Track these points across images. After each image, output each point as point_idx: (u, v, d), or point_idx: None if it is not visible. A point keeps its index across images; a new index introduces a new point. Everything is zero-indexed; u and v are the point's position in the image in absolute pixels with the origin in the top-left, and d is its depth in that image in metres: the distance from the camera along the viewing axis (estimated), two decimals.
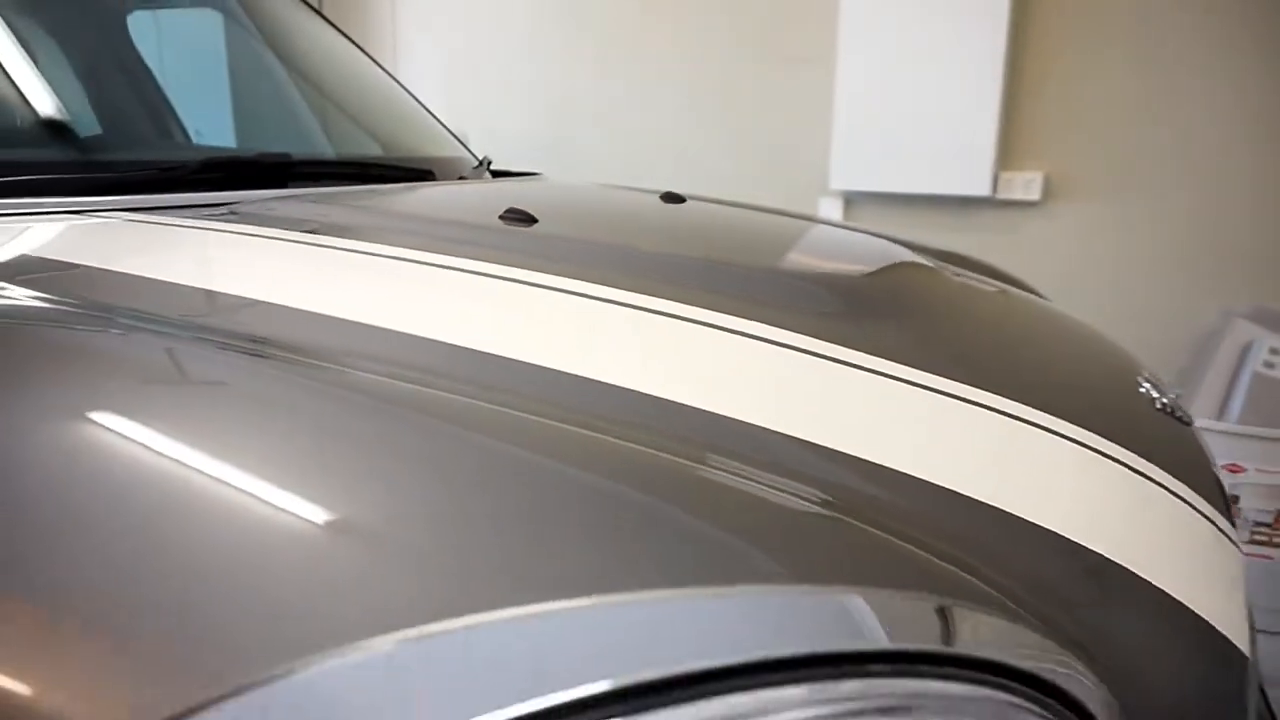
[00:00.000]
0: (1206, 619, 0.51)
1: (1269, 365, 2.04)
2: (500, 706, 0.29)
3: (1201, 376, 2.13)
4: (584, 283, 0.71)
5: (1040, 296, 1.30)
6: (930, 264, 1.02)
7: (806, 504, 0.45)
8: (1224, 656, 0.51)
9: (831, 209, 2.60)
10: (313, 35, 1.62)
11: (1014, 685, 0.37)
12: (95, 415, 0.43)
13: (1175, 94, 2.22)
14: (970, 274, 1.11)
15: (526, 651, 0.31)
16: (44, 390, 0.45)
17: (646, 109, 2.86)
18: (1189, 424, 0.82)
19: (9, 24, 1.04)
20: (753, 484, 0.45)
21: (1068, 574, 0.50)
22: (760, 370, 0.61)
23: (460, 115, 3.08)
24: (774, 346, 0.64)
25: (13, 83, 0.99)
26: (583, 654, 0.31)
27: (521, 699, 0.29)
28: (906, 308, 0.81)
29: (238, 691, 0.29)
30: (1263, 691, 0.78)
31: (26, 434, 0.42)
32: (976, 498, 0.52)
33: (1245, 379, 2.04)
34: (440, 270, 0.73)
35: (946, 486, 0.52)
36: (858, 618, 0.37)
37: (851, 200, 2.58)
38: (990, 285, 1.09)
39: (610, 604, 0.33)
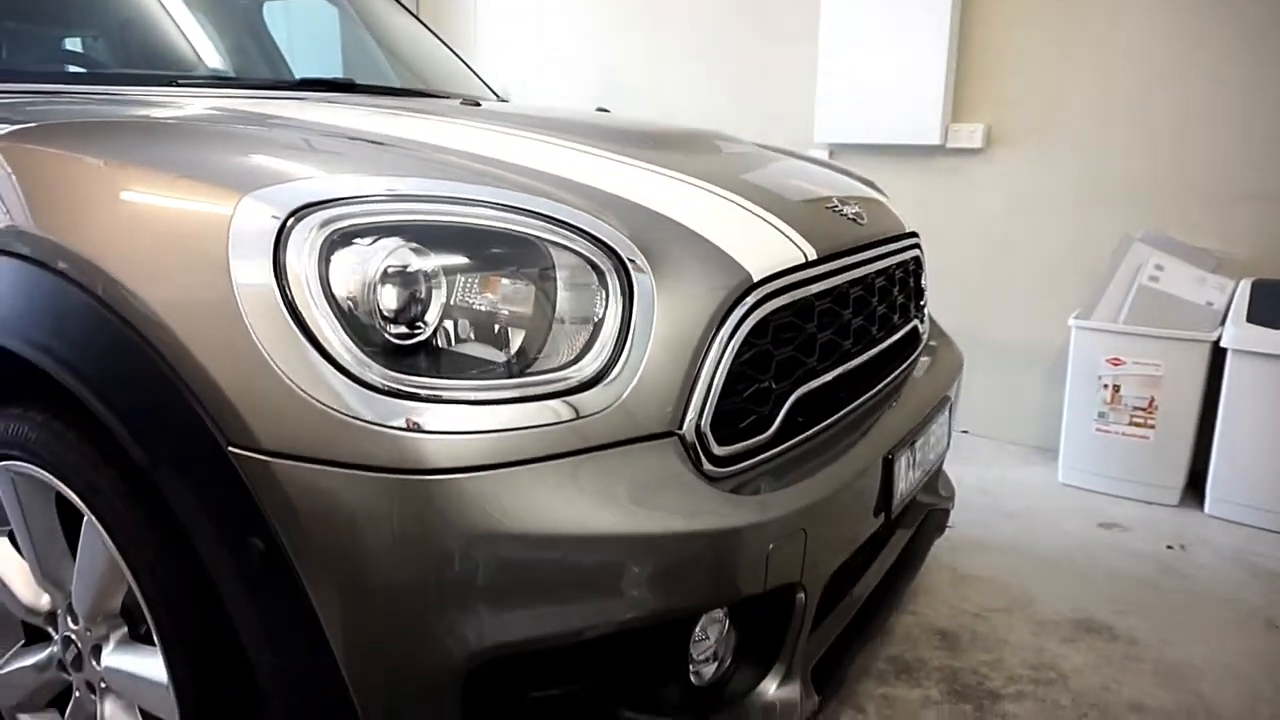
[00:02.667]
0: (716, 243, 1.08)
1: (1153, 279, 2.45)
2: None
3: (1105, 287, 2.55)
4: (489, 126, 1.32)
5: (876, 190, 1.80)
6: (732, 138, 1.59)
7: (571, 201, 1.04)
8: (725, 266, 1.07)
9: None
10: (396, 21, 2.32)
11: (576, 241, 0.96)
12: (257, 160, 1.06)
13: (1096, 45, 2.62)
14: (778, 149, 1.67)
15: None
16: (229, 148, 1.09)
17: (673, 82, 3.45)
18: (840, 214, 1.36)
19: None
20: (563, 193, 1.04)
21: (660, 227, 1.07)
22: (587, 164, 1.20)
23: (523, 85, 3.76)
24: (599, 158, 1.23)
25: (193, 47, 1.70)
26: None
27: None
28: (687, 148, 1.39)
29: None
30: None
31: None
32: (649, 206, 1.10)
33: (1134, 289, 2.46)
34: (436, 119, 1.36)
35: (638, 202, 1.09)
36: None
37: (834, 152, 3.09)
38: (782, 153, 1.65)
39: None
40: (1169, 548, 2.25)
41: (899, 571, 1.53)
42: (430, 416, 0.87)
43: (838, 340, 1.28)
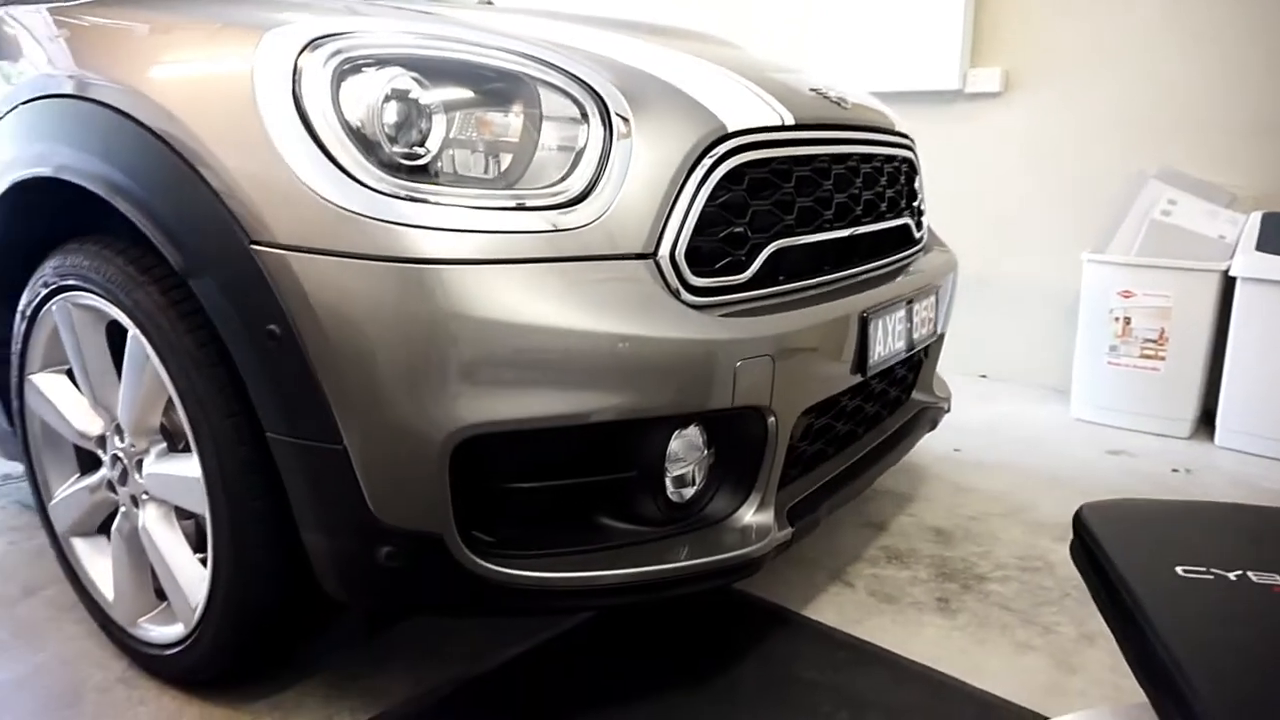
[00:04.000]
0: (695, 97, 1.18)
1: (1165, 213, 2.48)
2: None
3: (1119, 224, 2.58)
4: (503, 12, 1.44)
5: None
6: (728, 40, 1.68)
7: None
8: (701, 116, 1.17)
9: None
10: None
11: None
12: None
13: None
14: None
15: None
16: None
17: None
18: (819, 94, 1.45)
19: None
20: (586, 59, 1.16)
21: (645, 80, 1.18)
22: (581, 34, 1.31)
23: None
24: (594, 31, 1.33)
25: None
26: None
27: None
28: (680, 34, 1.49)
29: None
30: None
31: None
32: (636, 65, 1.20)
33: (1146, 224, 2.49)
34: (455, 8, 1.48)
35: (626, 62, 1.20)
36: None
37: None
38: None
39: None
40: (1174, 471, 2.28)
41: (885, 450, 1.60)
42: (425, 214, 0.98)
43: (818, 209, 1.37)
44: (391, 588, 1.07)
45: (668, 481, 1.17)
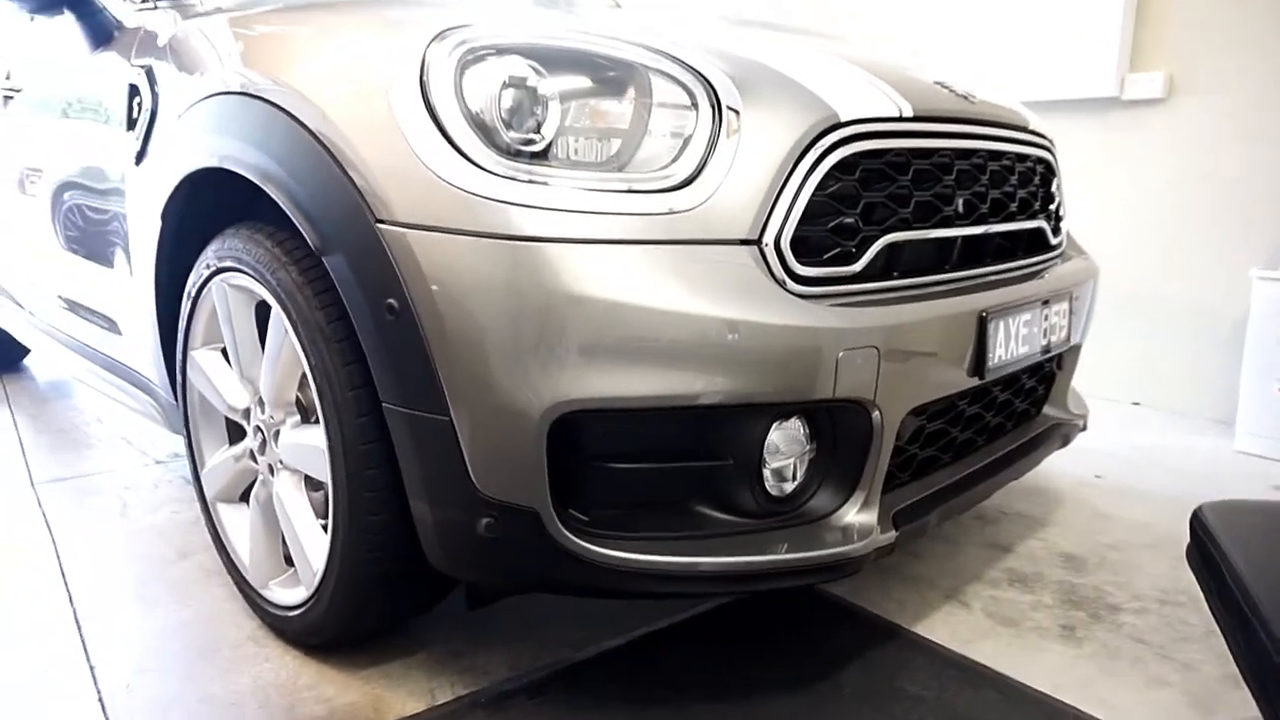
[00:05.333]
0: (807, 86, 1.18)
1: None
2: None
3: None
4: (631, 15, 1.48)
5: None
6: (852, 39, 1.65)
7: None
8: (813, 104, 1.16)
9: None
10: None
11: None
12: None
13: None
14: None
15: None
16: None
17: None
18: (944, 88, 1.40)
19: None
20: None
21: (758, 69, 1.18)
22: (701, 30, 1.32)
23: None
24: (714, 28, 1.35)
25: None
26: None
27: None
28: (803, 31, 1.49)
29: None
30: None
31: None
32: (751, 56, 1.21)
33: None
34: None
35: (741, 53, 1.21)
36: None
37: None
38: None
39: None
40: None
41: (1007, 463, 1.52)
42: (536, 195, 1.02)
43: (937, 205, 1.32)
44: (489, 560, 1.11)
45: (766, 473, 1.15)
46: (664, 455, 1.11)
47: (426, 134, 1.05)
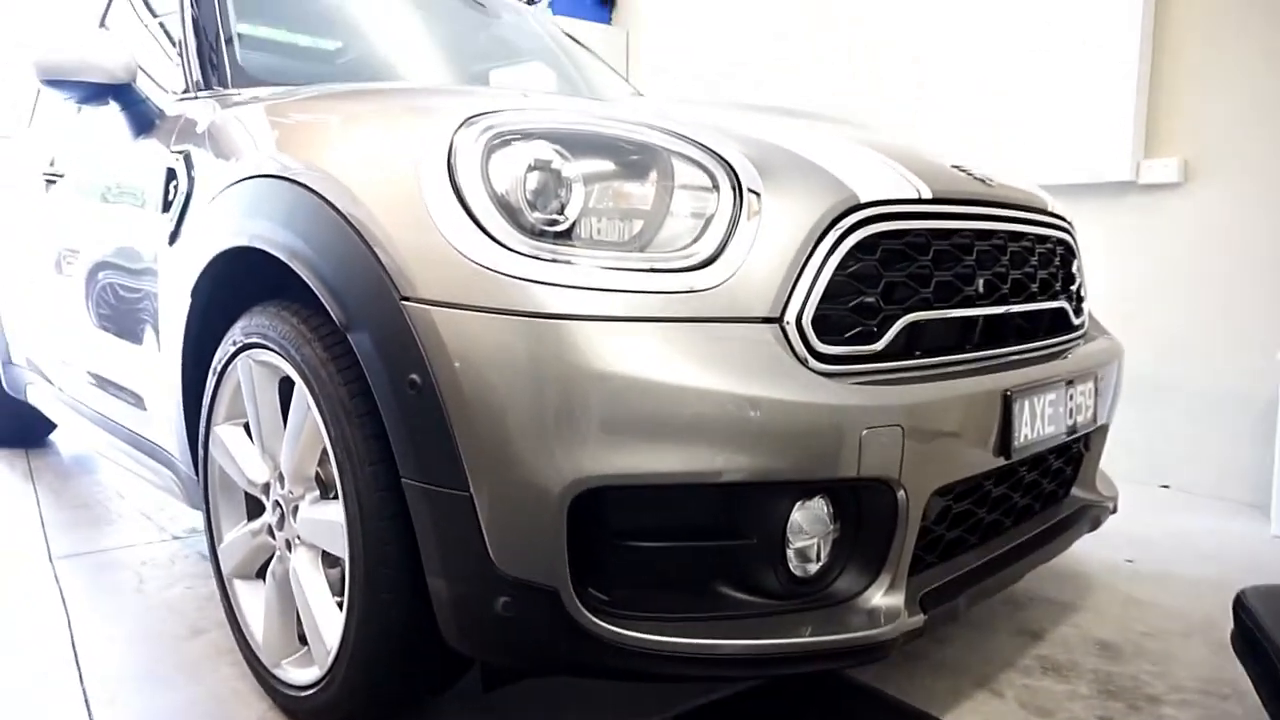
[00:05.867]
0: (826, 168, 1.20)
1: None
2: None
3: None
4: (651, 101, 1.52)
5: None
6: (869, 123, 1.69)
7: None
8: (832, 186, 1.18)
9: None
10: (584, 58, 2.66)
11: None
12: None
13: None
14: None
15: None
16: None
17: None
18: (962, 171, 1.42)
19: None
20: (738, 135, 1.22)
21: (778, 153, 1.21)
22: (719, 116, 1.36)
23: None
24: (731, 112, 1.39)
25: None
26: None
27: None
28: (820, 117, 1.52)
29: None
30: None
31: None
32: (771, 140, 1.24)
33: None
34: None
35: (761, 137, 1.23)
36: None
37: None
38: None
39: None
40: None
41: (1036, 545, 1.49)
42: (558, 273, 1.04)
43: (958, 285, 1.33)
44: (506, 639, 1.09)
45: (790, 552, 1.13)
46: (686, 533, 1.10)
47: (453, 214, 1.08)
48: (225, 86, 1.81)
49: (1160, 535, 2.37)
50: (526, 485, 1.02)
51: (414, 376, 1.07)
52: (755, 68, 4.10)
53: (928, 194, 1.30)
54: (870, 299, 1.19)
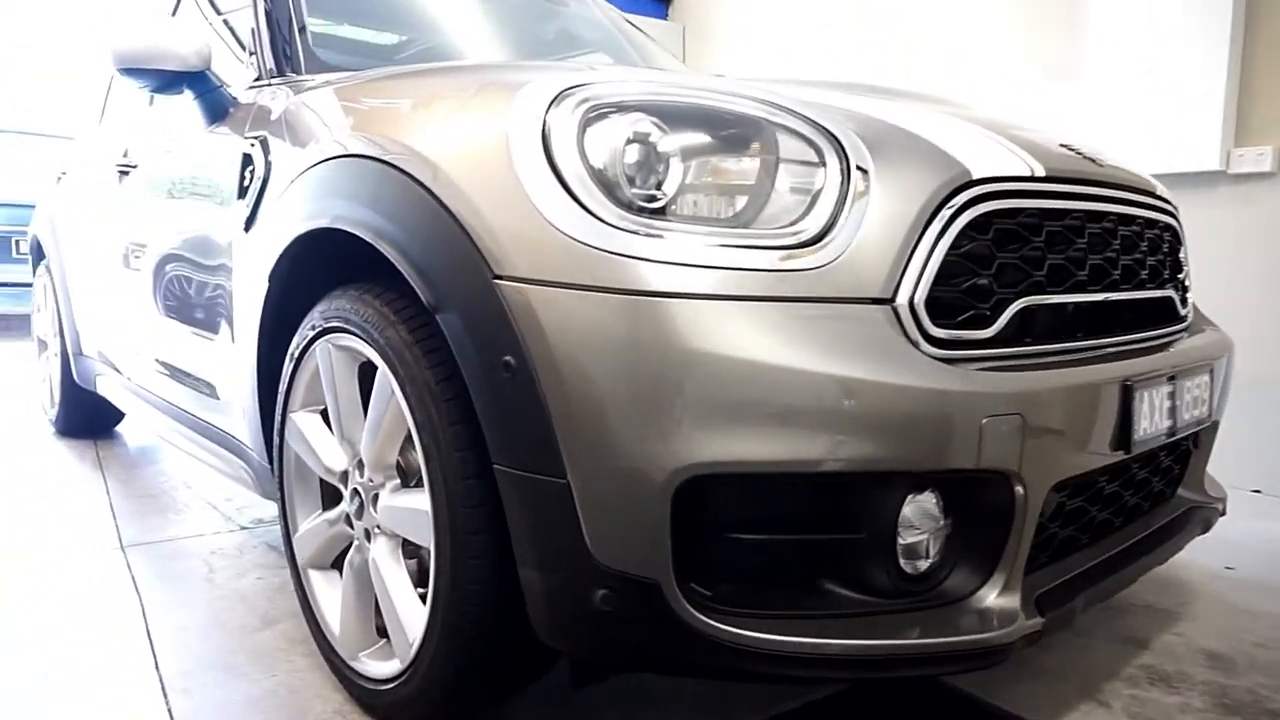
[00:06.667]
0: (937, 144, 1.13)
1: None
2: None
3: None
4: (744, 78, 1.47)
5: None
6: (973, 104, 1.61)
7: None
8: (944, 162, 1.11)
9: None
10: (650, 49, 2.60)
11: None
12: None
13: None
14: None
15: None
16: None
17: None
18: (1071, 150, 1.34)
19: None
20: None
21: (886, 128, 1.15)
22: (821, 93, 1.30)
23: None
24: (833, 90, 1.32)
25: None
26: None
27: None
28: (922, 97, 1.45)
29: None
30: None
31: None
32: (878, 116, 1.17)
33: None
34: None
35: (868, 113, 1.17)
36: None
37: None
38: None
39: None
40: None
41: (1148, 546, 1.40)
42: (660, 249, 0.99)
43: (1070, 269, 1.25)
44: (603, 634, 1.04)
45: (900, 548, 1.06)
46: (793, 526, 1.04)
47: (548, 189, 1.03)
48: (298, 73, 1.79)
49: (1257, 542, 2.25)
50: (628, 472, 0.97)
51: (508, 358, 1.02)
52: (800, 58, 4.04)
53: (1040, 171, 1.22)
54: (983, 281, 1.12)
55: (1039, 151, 1.27)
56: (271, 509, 2.40)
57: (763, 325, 0.98)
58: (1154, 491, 1.51)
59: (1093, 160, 1.37)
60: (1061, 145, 1.37)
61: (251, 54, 1.89)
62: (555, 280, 1.00)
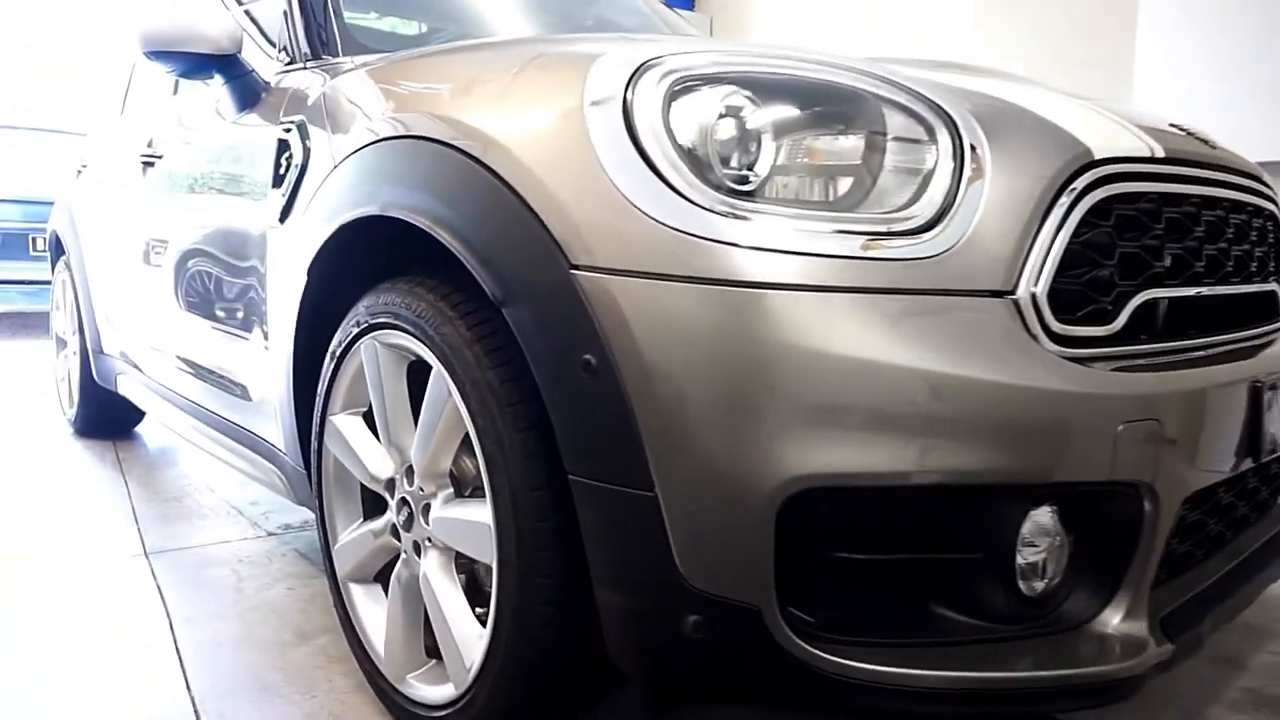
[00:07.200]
0: (1053, 121, 1.02)
1: None
2: None
3: None
4: None
5: None
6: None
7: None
8: (1063, 140, 1.00)
9: None
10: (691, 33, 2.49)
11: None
12: None
13: None
14: None
15: None
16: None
17: None
18: (1181, 131, 1.23)
19: None
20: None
21: (1000, 105, 1.04)
22: (918, 71, 1.20)
23: None
24: (932, 68, 1.22)
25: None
26: None
27: None
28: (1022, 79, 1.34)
29: None
30: None
31: None
32: (989, 93, 1.07)
33: None
34: None
35: (978, 90, 1.06)
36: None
37: None
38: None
39: None
40: None
41: (1264, 561, 1.29)
42: (761, 235, 0.89)
43: (1188, 259, 1.14)
44: (694, 664, 0.94)
45: (1019, 567, 0.96)
46: (906, 544, 0.94)
47: (633, 171, 0.93)
48: (335, 55, 1.70)
49: None
50: (727, 485, 0.87)
51: (587, 356, 0.92)
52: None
53: (1160, 152, 1.11)
54: (1104, 272, 1.02)
55: (1153, 131, 1.16)
56: (299, 514, 2.31)
57: (878, 321, 0.87)
58: (1261, 500, 1.40)
59: (1205, 142, 1.27)
60: (1171, 125, 1.26)
61: (281, 49, 1.79)
62: (642, 270, 0.90)
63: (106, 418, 3.14)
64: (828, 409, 0.85)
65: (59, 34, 9.15)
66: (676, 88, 0.96)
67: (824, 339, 0.85)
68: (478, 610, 1.16)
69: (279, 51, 1.80)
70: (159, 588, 1.84)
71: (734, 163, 0.93)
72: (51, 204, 3.50)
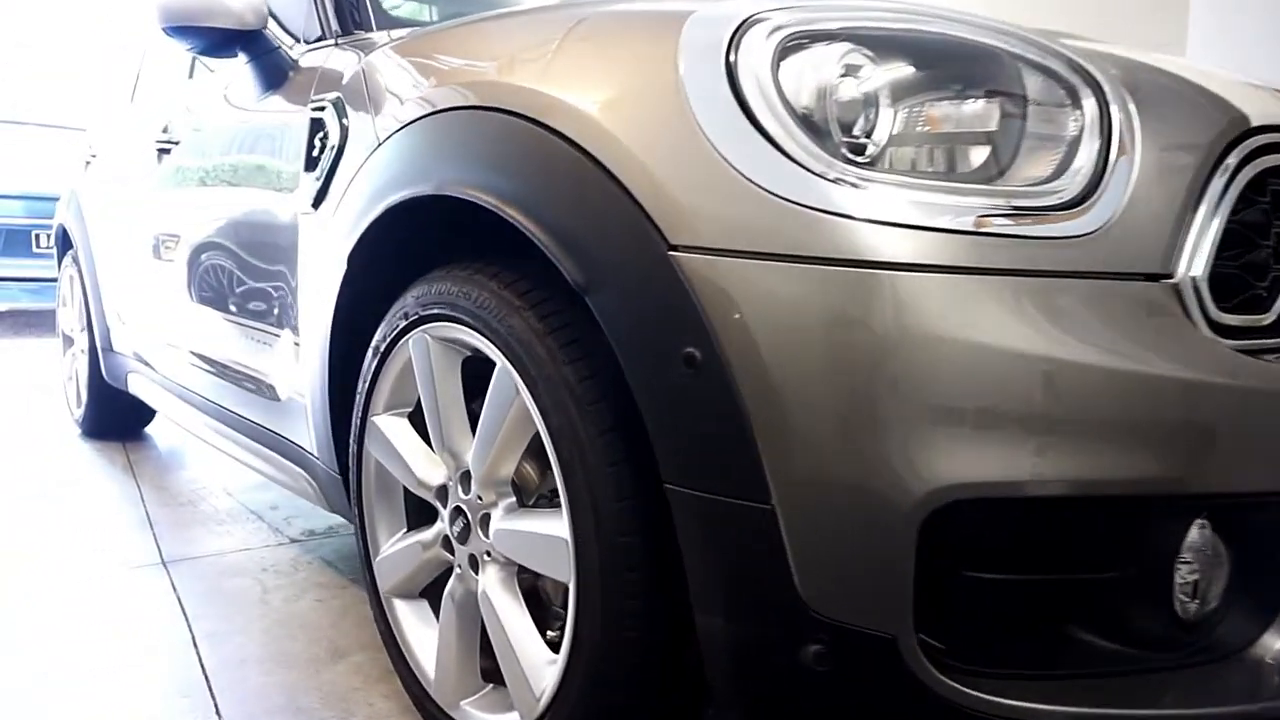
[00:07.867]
0: (1204, 85, 0.91)
1: None
2: None
3: None
4: None
5: None
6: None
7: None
8: (1219, 105, 0.89)
9: None
10: None
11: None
12: None
13: None
14: None
15: None
16: None
17: None
18: None
19: None
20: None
21: (1147, 69, 0.93)
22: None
23: None
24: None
25: None
26: None
27: None
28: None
29: None
30: None
31: None
32: (1133, 57, 0.95)
33: None
34: None
35: (1119, 53, 0.95)
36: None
37: None
38: None
39: None
40: None
41: None
42: (893, 210, 0.77)
43: None
44: (814, 699, 0.82)
45: (1176, 587, 0.85)
46: (1049, 562, 0.82)
47: (741, 136, 0.82)
48: (368, 30, 1.58)
49: None
50: (859, 496, 0.76)
51: (690, 350, 0.81)
52: None
53: None
54: (1262, 254, 0.90)
55: None
56: (323, 519, 2.20)
57: (1029, 307, 0.76)
58: None
59: None
60: None
61: (310, 10, 1.67)
62: (756, 250, 0.79)
63: (115, 418, 3.02)
64: (979, 410, 0.74)
65: (59, 34, 9.06)
66: (788, 44, 0.85)
67: (977, 329, 0.74)
68: (553, 635, 1.05)
69: (306, 27, 1.69)
70: (179, 600, 1.72)
71: (855, 126, 0.82)
72: (56, 199, 3.38)
